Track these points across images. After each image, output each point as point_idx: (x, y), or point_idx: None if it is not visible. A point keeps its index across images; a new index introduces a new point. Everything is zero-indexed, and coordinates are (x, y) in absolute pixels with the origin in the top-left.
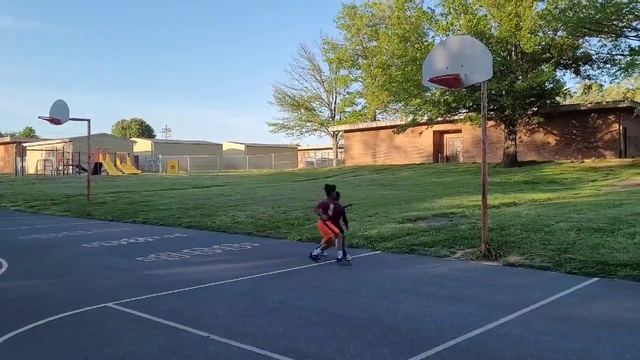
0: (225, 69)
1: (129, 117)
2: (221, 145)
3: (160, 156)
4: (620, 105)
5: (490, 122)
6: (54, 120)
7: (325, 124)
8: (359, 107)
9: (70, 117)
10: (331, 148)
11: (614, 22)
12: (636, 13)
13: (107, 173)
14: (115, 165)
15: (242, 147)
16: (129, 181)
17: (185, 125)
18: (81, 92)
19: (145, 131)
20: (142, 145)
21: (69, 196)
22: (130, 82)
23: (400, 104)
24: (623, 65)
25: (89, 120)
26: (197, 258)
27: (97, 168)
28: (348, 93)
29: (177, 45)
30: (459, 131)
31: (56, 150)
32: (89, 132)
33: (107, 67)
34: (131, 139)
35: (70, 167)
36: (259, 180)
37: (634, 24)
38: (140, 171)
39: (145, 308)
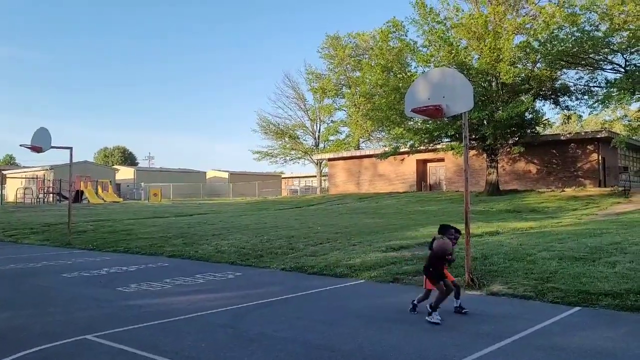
0: (210, 97)
1: (111, 145)
2: (205, 173)
3: (142, 184)
4: (598, 136)
5: (472, 151)
6: (36, 148)
7: (309, 152)
8: (343, 136)
9: (52, 145)
10: (315, 176)
11: (591, 55)
12: (612, 47)
13: (89, 201)
14: (96, 193)
15: (226, 175)
16: (111, 209)
17: (168, 153)
18: (64, 119)
19: (128, 159)
20: (124, 173)
21: (48, 225)
22: (114, 110)
23: (383, 133)
24: (600, 97)
25: (71, 149)
26: (179, 288)
27: (78, 196)
28: (332, 122)
29: (162, 73)
30: (442, 160)
31: (37, 177)
32: (71, 161)
33: (90, 95)
34: (113, 166)
35: (51, 195)
36: (243, 209)
37: (609, 57)
38: (122, 199)
39: (126, 340)
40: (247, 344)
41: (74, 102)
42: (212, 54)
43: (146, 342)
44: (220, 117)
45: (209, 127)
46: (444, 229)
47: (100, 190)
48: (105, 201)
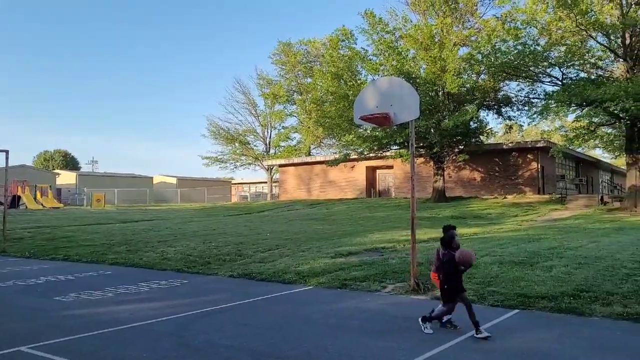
0: (158, 100)
1: (52, 149)
2: (152, 178)
3: (85, 189)
4: (538, 145)
5: (420, 159)
6: None
7: (259, 158)
8: (294, 142)
9: None
10: (266, 182)
11: (531, 68)
12: (550, 61)
13: (26, 207)
14: (35, 199)
15: (174, 180)
16: (50, 215)
17: (114, 157)
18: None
19: (70, 163)
20: (66, 178)
21: None
22: (55, 111)
23: (334, 140)
24: (539, 109)
25: (7, 152)
26: (122, 297)
27: (15, 201)
28: (283, 128)
29: (108, 75)
30: (390, 167)
31: None
32: (6, 164)
33: (30, 95)
34: (54, 170)
35: None
36: (191, 215)
37: (548, 70)
38: (63, 205)
39: (64, 352)
40: (192, 353)
41: (12, 101)
42: (160, 56)
43: (86, 353)
44: (169, 121)
45: (158, 131)
46: (447, 231)
47: (39, 196)
48: (44, 207)
